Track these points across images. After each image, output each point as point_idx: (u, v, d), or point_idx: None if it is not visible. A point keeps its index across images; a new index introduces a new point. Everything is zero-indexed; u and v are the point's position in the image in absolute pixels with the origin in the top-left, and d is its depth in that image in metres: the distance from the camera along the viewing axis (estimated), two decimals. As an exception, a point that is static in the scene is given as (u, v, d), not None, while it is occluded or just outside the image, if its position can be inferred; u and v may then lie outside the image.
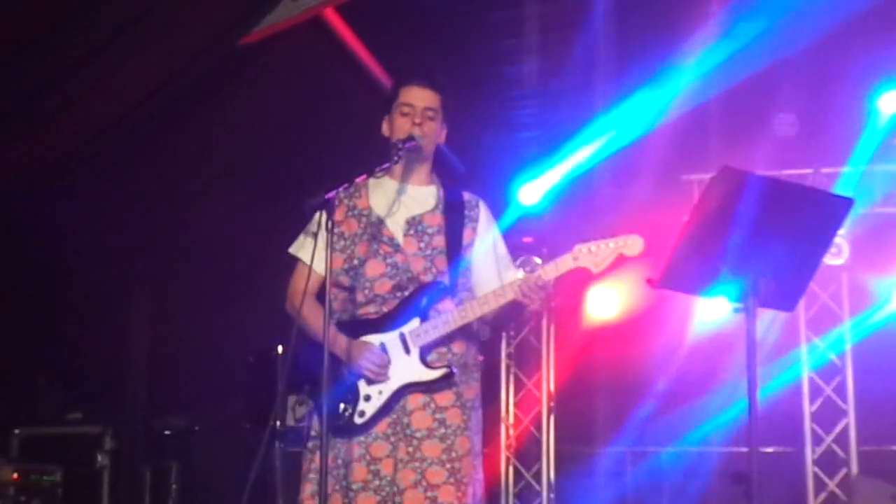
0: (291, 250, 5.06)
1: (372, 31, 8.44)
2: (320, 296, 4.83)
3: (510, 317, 5.06)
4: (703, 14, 8.60)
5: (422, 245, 4.90)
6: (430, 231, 4.93)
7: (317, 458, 4.77)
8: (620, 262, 4.86)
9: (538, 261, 10.09)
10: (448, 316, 4.80)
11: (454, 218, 4.98)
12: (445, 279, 4.87)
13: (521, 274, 4.95)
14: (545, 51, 8.75)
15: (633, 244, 4.79)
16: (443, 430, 4.78)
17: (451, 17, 8.39)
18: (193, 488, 7.99)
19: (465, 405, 4.87)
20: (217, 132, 8.79)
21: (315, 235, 4.68)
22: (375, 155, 4.96)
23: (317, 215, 4.69)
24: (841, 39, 8.53)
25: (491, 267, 5.00)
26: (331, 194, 4.50)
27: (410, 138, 4.87)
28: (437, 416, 4.79)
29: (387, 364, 4.78)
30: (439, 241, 4.92)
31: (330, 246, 4.56)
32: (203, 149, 8.86)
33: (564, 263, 4.81)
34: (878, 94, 9.25)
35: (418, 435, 4.76)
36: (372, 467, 4.74)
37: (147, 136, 8.68)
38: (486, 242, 5.04)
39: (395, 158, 4.84)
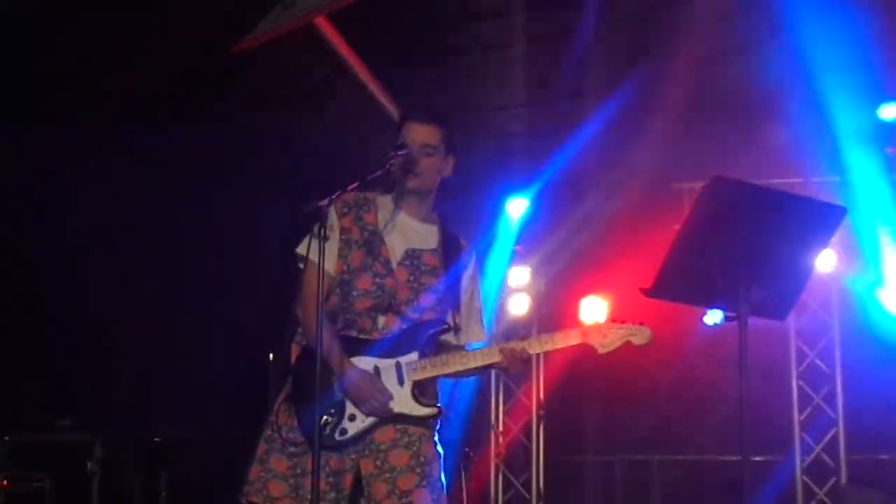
0: (299, 250, 4.98)
1: (363, 38, 8.45)
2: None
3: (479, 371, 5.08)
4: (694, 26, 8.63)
5: (411, 279, 4.89)
6: (423, 269, 4.92)
7: (272, 460, 4.73)
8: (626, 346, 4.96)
9: (527, 270, 10.12)
10: (449, 358, 4.81)
11: (451, 262, 4.99)
12: (449, 320, 4.89)
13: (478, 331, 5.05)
14: (534, 61, 8.77)
15: (642, 334, 4.89)
16: (406, 439, 4.78)
17: (441, 26, 8.40)
18: (183, 496, 7.98)
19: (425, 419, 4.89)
20: (209, 138, 8.79)
21: (328, 240, 4.68)
22: (366, 161, 4.96)
23: (326, 219, 4.68)
24: (838, 48, 8.56)
25: (464, 316, 5.02)
26: (324, 202, 4.49)
27: (402, 146, 4.87)
28: (398, 426, 4.79)
29: (388, 400, 4.77)
30: (429, 280, 4.91)
31: (322, 254, 4.55)
32: (196, 155, 8.86)
33: (573, 338, 4.89)
34: (879, 105, 9.29)
35: (383, 447, 4.76)
36: (330, 479, 4.71)
37: (141, 142, 8.69)
38: (469, 289, 5.06)
39: (388, 166, 4.82)
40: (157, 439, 8.49)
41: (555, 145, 9.55)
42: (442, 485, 4.83)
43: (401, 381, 4.79)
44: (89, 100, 7.92)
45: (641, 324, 4.89)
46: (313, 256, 4.77)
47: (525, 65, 8.95)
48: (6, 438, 8.30)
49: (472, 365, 4.84)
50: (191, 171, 9.03)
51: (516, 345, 4.84)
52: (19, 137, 7.94)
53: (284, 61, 8.22)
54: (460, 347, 4.95)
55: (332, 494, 4.71)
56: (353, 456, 4.75)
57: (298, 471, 4.75)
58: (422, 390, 4.83)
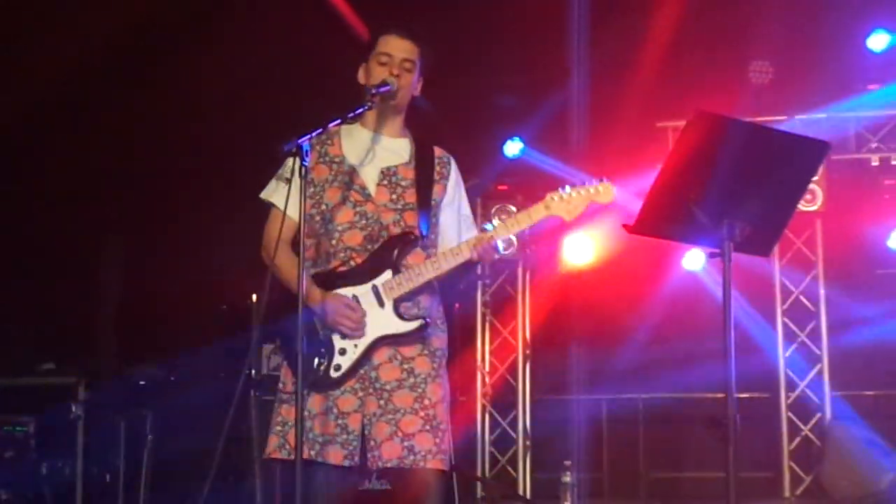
0: (263, 195, 5.00)
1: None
2: (294, 243, 4.80)
3: (461, 275, 5.02)
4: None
5: (393, 197, 4.86)
6: (403, 183, 4.89)
7: (283, 411, 4.78)
8: (594, 209, 4.85)
9: (513, 209, 10.11)
10: (421, 268, 4.77)
11: (426, 173, 4.94)
12: (416, 231, 4.84)
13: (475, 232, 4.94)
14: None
15: (605, 191, 4.77)
16: (412, 380, 4.76)
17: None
18: (168, 438, 7.96)
19: (434, 353, 4.85)
20: (193, 77, 8.72)
21: (287, 181, 4.61)
22: (351, 103, 4.91)
23: (289, 160, 4.62)
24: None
25: (454, 225, 4.98)
26: (303, 139, 4.44)
27: (384, 83, 4.82)
28: (405, 366, 4.77)
29: (363, 318, 4.75)
30: (411, 195, 4.88)
31: (303, 192, 4.51)
32: (177, 94, 8.79)
33: (537, 212, 4.79)
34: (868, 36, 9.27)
35: (388, 387, 4.74)
36: (339, 421, 4.71)
37: (122, 80, 8.61)
38: (454, 200, 5.02)
39: (369, 104, 4.79)
40: (141, 382, 8.46)
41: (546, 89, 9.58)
42: (447, 428, 4.81)
43: (381, 303, 4.77)
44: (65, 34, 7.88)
45: (601, 180, 4.79)
46: (276, 200, 4.84)
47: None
48: (-10, 382, 8.27)
49: (445, 267, 4.77)
50: (169, 109, 8.96)
51: (483, 235, 4.76)
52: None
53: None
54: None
55: (343, 437, 4.71)
56: (360, 395, 4.73)
57: (307, 413, 4.75)
58: (403, 306, 4.79)
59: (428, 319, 4.78)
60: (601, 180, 4.81)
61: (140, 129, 9.14)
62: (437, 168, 4.98)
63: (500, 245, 4.90)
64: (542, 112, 9.83)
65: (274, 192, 4.93)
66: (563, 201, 4.76)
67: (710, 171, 4.45)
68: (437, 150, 5.04)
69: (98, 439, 8.03)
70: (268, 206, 4.98)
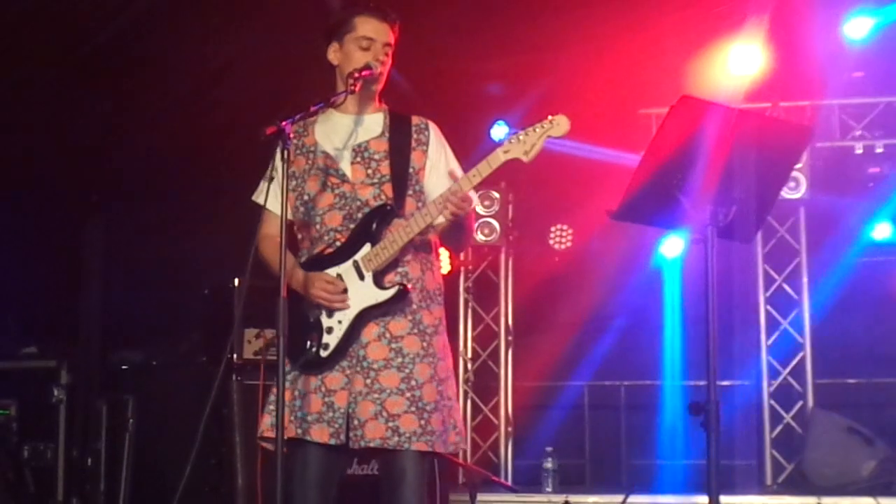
0: (254, 198, 5.01)
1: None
2: (290, 241, 4.79)
3: (455, 231, 4.94)
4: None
5: (369, 172, 4.85)
6: (376, 157, 4.87)
7: (276, 391, 4.76)
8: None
9: (496, 195, 10.13)
10: (395, 234, 4.75)
11: (401, 143, 4.91)
12: (394, 202, 4.83)
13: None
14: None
15: (559, 123, 4.66)
16: (400, 360, 4.74)
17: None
18: (150, 422, 7.95)
19: (425, 331, 4.82)
20: (174, 59, 8.69)
21: (271, 179, 4.63)
22: (328, 86, 4.91)
23: (273, 159, 4.61)
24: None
25: (442, 188, 4.87)
26: (285, 122, 4.45)
27: (367, 67, 4.81)
28: (393, 345, 4.76)
29: (342, 290, 4.74)
30: (386, 167, 4.86)
31: (285, 174, 4.52)
32: (160, 76, 8.76)
33: (495, 159, 4.70)
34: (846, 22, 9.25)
35: (375, 366, 4.72)
36: (326, 399, 4.72)
37: (103, 61, 8.58)
38: (438, 163, 4.96)
39: (352, 89, 4.77)
40: (123, 366, 8.45)
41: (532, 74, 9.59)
42: (439, 407, 4.77)
43: (361, 277, 4.77)
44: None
45: (554, 115, 4.68)
46: (268, 204, 4.79)
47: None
48: (-29, 366, 8.26)
49: (417, 228, 4.74)
50: (151, 92, 8.94)
51: (447, 192, 4.71)
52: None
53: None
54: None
55: (329, 414, 4.71)
56: (348, 373, 4.73)
57: (297, 393, 4.79)
58: (383, 276, 4.78)
59: (408, 285, 4.77)
60: (554, 115, 4.69)
61: (123, 111, 9.11)
62: (415, 136, 4.95)
63: (475, 199, 4.87)
64: (527, 96, 9.84)
65: (261, 194, 4.91)
66: (519, 143, 4.67)
67: (693, 157, 4.45)
68: (415, 119, 5.01)
69: (80, 423, 8.03)
70: (260, 209, 4.94)
